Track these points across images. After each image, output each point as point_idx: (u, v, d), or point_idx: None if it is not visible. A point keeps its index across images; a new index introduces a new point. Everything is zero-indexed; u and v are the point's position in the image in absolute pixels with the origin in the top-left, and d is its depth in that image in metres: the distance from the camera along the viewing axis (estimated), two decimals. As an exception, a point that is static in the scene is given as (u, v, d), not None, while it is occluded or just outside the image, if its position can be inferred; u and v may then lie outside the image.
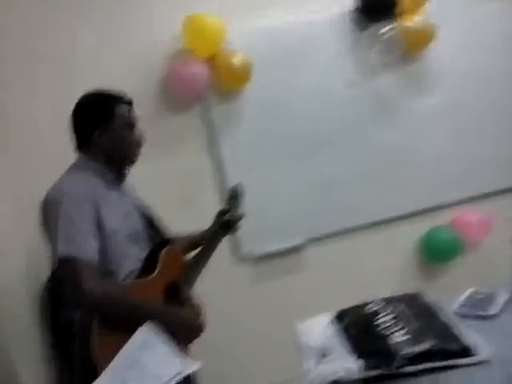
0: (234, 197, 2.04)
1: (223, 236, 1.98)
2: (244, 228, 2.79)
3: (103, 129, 1.69)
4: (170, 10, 2.58)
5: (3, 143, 2.38)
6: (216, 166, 2.76)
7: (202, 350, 2.55)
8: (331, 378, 1.44)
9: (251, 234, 2.84)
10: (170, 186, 2.66)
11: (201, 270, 1.89)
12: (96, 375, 1.39)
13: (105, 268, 1.59)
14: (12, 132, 2.45)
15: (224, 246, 2.79)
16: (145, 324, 1.35)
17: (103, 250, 1.58)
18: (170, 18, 2.56)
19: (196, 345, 2.29)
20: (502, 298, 1.42)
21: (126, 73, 2.61)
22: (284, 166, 2.88)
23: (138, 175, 2.56)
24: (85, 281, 1.46)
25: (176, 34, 2.56)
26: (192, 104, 2.70)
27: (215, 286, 2.78)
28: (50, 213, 1.55)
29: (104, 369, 1.40)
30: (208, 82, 2.62)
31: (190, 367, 1.29)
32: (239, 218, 2.00)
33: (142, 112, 2.61)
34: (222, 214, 1.99)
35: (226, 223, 1.96)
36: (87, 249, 1.50)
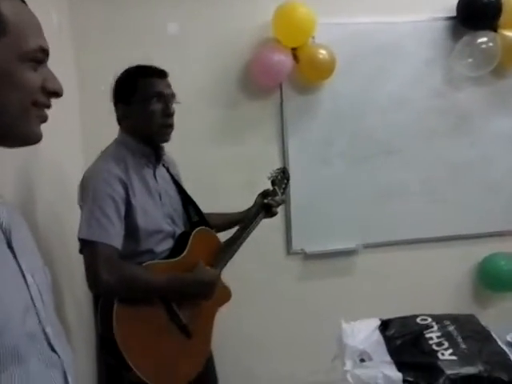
0: (280, 180, 1.99)
1: (262, 218, 1.91)
2: (298, 223, 2.83)
3: (126, 103, 1.66)
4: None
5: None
6: (282, 156, 2.77)
7: (239, 340, 2.64)
8: (370, 382, 1.44)
9: (305, 230, 2.85)
10: (237, 168, 2.71)
11: (234, 251, 1.83)
12: (116, 349, 1.44)
13: (136, 248, 1.60)
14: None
15: (277, 239, 2.85)
16: None
17: (133, 230, 1.58)
18: (262, 5, 2.57)
19: (233, 336, 2.33)
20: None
21: (211, 57, 2.65)
22: (348, 168, 2.84)
23: (208, 156, 2.65)
24: (101, 267, 1.46)
25: (266, 22, 2.57)
26: (270, 93, 2.71)
27: (264, 276, 2.82)
28: (83, 192, 1.58)
29: (123, 345, 1.44)
30: (290, 73, 2.61)
31: None
32: (281, 203, 1.94)
33: (223, 95, 2.70)
34: (264, 195, 1.94)
35: (266, 206, 1.90)
36: (110, 232, 1.50)
